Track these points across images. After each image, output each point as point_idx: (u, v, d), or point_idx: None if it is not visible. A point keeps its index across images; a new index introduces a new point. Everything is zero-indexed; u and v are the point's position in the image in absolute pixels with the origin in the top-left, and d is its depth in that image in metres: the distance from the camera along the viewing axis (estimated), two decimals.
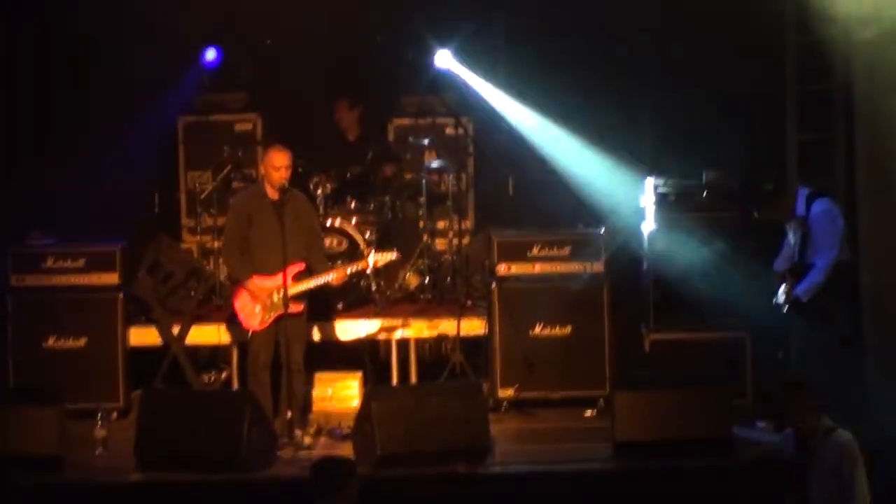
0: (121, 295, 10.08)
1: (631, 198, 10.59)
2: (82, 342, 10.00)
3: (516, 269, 10.18)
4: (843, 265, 9.32)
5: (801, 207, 9.27)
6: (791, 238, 9.46)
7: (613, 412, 8.73)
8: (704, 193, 10.29)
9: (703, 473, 8.09)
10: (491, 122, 11.49)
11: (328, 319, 10.42)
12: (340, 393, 10.31)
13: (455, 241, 11.31)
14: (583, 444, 8.99)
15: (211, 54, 11.01)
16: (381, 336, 10.49)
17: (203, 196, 11.32)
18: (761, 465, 7.99)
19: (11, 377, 9.79)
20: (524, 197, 11.16)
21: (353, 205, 11.16)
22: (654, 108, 11.15)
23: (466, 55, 11.40)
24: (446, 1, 11.44)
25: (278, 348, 9.30)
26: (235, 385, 10.25)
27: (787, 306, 9.31)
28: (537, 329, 10.06)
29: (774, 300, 9.39)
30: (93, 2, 10.89)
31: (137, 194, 10.81)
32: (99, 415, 8.91)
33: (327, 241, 10.09)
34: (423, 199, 11.33)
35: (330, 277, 9.30)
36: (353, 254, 10.57)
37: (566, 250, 10.18)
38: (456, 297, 10.79)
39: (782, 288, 9.32)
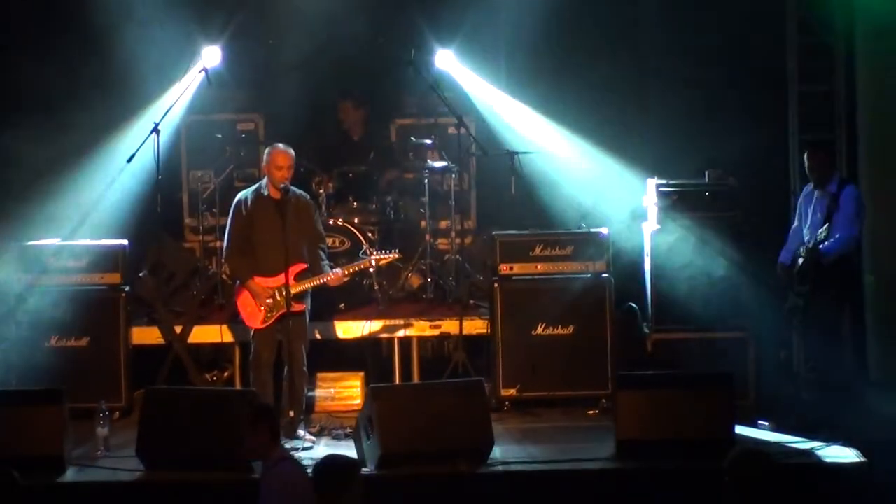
0: (123, 294, 10.09)
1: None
2: (84, 342, 10.01)
3: (518, 268, 10.18)
4: (849, 261, 9.38)
5: (833, 186, 9.36)
6: (806, 220, 9.49)
7: (615, 412, 8.74)
8: (707, 193, 10.30)
9: (704, 473, 8.07)
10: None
11: (330, 319, 10.43)
12: (343, 392, 10.32)
13: (457, 241, 11.30)
14: (585, 444, 8.98)
15: (213, 53, 10.98)
16: (384, 335, 10.49)
17: (205, 195, 11.33)
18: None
19: (14, 376, 9.79)
20: (526, 196, 11.15)
21: (355, 204, 11.16)
22: (656, 109, 11.14)
23: (467, 56, 11.39)
24: (448, 1, 11.44)
25: (280, 347, 9.32)
26: (238, 384, 10.25)
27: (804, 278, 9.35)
28: (539, 329, 10.07)
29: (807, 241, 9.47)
30: (96, 1, 10.91)
31: (140, 194, 10.79)
32: (101, 414, 8.91)
33: (329, 241, 10.10)
34: (425, 199, 11.32)
35: (331, 277, 9.31)
36: (355, 253, 10.57)
37: (568, 250, 10.19)
38: (458, 297, 10.80)
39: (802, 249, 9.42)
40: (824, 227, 9.30)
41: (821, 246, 9.25)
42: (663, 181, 10.32)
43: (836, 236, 9.23)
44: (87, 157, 10.90)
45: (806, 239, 9.48)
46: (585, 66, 11.32)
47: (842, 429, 8.90)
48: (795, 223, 9.73)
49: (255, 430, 7.07)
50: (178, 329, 10.38)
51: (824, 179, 9.46)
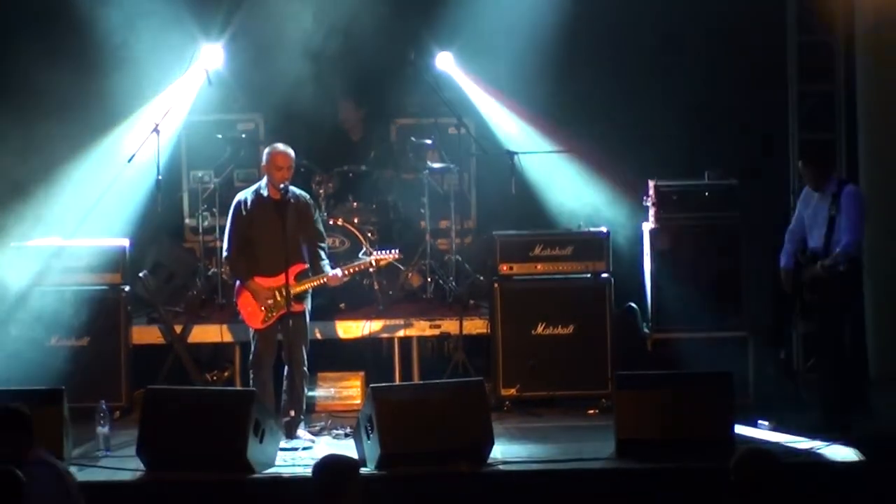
0: (123, 294, 10.10)
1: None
2: (85, 341, 10.02)
3: (518, 268, 10.20)
4: (855, 262, 9.31)
5: (833, 186, 9.24)
6: (809, 222, 9.40)
7: (615, 412, 8.74)
8: (706, 193, 10.30)
9: (704, 473, 8.08)
10: None
11: (330, 319, 10.43)
12: (343, 392, 10.34)
13: (457, 241, 11.31)
14: (585, 444, 8.99)
15: (213, 54, 11.00)
16: (384, 335, 10.50)
17: (205, 196, 11.33)
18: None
19: (14, 376, 9.79)
20: (526, 196, 11.16)
21: (355, 204, 11.17)
22: (656, 108, 11.14)
23: (468, 56, 11.40)
24: (448, 2, 11.46)
25: (281, 347, 9.32)
26: (238, 384, 10.25)
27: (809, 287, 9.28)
28: (539, 328, 10.08)
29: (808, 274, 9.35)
30: (96, 1, 10.92)
31: (140, 194, 10.81)
32: (101, 414, 8.91)
33: (329, 241, 10.10)
34: (425, 199, 11.33)
35: (331, 277, 9.31)
36: (355, 253, 10.57)
37: (568, 250, 10.20)
38: (458, 297, 10.81)
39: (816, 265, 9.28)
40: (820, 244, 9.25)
41: (826, 262, 9.13)
42: (663, 181, 10.32)
43: (842, 243, 9.11)
44: (87, 156, 10.91)
45: (810, 245, 9.34)
46: (585, 66, 11.33)
47: (842, 429, 8.90)
48: (792, 224, 9.55)
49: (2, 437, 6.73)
50: (178, 329, 10.39)
51: (822, 183, 9.33)
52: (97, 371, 9.93)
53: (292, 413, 9.19)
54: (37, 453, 6.79)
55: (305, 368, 9.37)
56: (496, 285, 10.13)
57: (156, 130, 10.35)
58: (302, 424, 9.29)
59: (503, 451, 8.73)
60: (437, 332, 10.48)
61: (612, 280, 10.17)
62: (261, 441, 8.43)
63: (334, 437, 9.39)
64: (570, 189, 11.13)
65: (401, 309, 10.79)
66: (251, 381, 9.37)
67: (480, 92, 11.54)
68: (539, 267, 10.19)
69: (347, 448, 8.76)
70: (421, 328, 10.47)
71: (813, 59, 11.07)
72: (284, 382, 9.27)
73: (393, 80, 11.83)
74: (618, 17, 11.26)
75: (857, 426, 9.02)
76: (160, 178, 10.43)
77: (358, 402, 10.09)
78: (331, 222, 10.81)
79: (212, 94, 11.17)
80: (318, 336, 10.22)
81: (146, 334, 10.43)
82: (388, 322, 10.46)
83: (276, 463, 8.65)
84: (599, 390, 9.93)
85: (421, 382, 10.12)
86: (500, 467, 8.48)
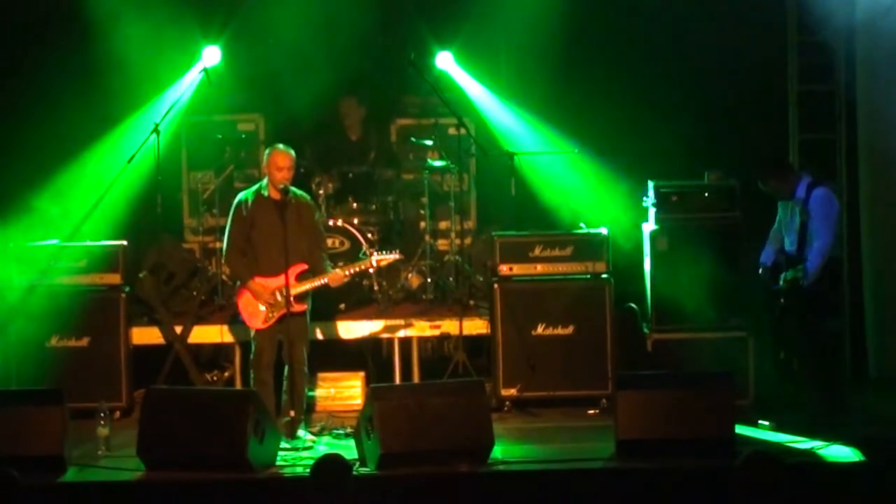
0: (123, 294, 10.10)
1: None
2: (85, 342, 10.03)
3: (518, 269, 10.19)
4: (834, 261, 9.31)
5: (801, 191, 9.25)
6: (785, 225, 9.42)
7: (615, 412, 8.74)
8: (706, 194, 10.30)
9: (704, 473, 8.09)
10: None
11: (331, 319, 10.44)
12: (343, 392, 10.35)
13: (457, 242, 11.31)
14: (585, 444, 8.99)
15: (213, 54, 11.00)
16: (384, 335, 10.50)
17: (205, 196, 11.34)
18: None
19: (14, 376, 9.81)
20: (526, 197, 11.17)
21: (355, 205, 11.17)
22: (656, 109, 11.14)
23: (467, 57, 11.41)
24: (448, 2, 11.46)
25: (281, 348, 9.33)
26: (238, 384, 10.26)
27: (784, 294, 9.28)
28: (539, 329, 10.08)
29: (776, 286, 9.38)
30: (96, 1, 10.92)
31: (140, 194, 10.82)
32: (101, 414, 8.91)
33: (329, 242, 10.11)
34: (425, 200, 11.34)
35: (332, 277, 9.32)
36: (356, 254, 10.58)
37: (568, 250, 10.20)
38: (458, 297, 10.81)
39: (783, 276, 9.31)
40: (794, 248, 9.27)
41: (801, 276, 9.18)
42: (663, 181, 10.32)
43: (815, 247, 9.15)
44: (87, 157, 10.91)
45: (786, 248, 9.39)
46: (585, 66, 11.33)
47: (842, 428, 8.91)
48: (775, 225, 9.61)
49: None
50: (178, 329, 10.39)
51: (786, 193, 9.34)
52: (97, 371, 9.94)
53: (292, 413, 9.18)
54: None
55: (305, 368, 9.38)
56: (496, 286, 10.12)
57: (156, 130, 10.35)
58: (302, 425, 9.29)
59: (503, 451, 8.73)
60: (437, 332, 10.49)
61: (612, 280, 10.16)
62: (261, 441, 8.43)
63: (335, 438, 9.39)
64: (570, 189, 11.13)
65: (401, 309, 10.80)
66: (251, 382, 9.38)
67: (480, 92, 11.55)
68: (539, 267, 10.19)
69: (347, 448, 8.76)
70: (421, 328, 10.47)
71: (813, 59, 11.07)
72: (284, 382, 9.27)
73: (394, 81, 11.83)
74: (617, 17, 11.26)
75: (856, 426, 9.03)
76: (160, 178, 10.43)
77: (358, 402, 10.09)
78: (331, 223, 10.82)
79: (211, 94, 11.18)
80: (319, 336, 10.23)
81: (146, 334, 10.43)
82: (388, 322, 10.46)
83: (276, 463, 8.65)
84: (599, 390, 9.93)
85: (421, 383, 10.14)
86: (500, 467, 8.47)
